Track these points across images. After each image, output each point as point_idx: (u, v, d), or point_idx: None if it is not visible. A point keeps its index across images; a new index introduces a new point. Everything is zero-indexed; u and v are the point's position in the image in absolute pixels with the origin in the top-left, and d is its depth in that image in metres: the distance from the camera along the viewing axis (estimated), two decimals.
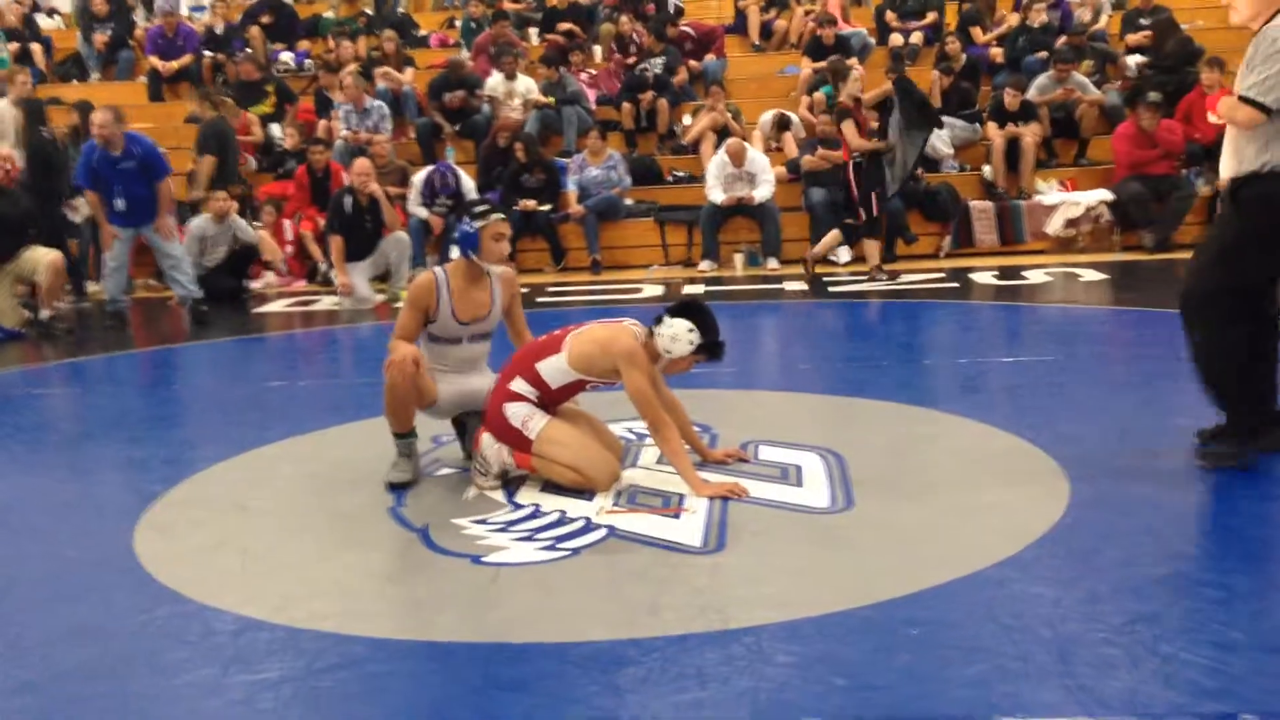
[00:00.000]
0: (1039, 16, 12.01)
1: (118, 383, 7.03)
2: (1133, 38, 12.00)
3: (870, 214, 9.18)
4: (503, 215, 4.24)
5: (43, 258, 8.42)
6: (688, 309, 4.05)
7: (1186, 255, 9.60)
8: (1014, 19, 12.48)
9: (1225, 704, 2.38)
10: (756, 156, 10.49)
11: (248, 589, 3.25)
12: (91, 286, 10.22)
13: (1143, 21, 12.07)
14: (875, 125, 9.21)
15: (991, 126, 10.87)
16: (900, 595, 2.98)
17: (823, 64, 11.60)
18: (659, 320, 4.03)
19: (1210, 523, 3.49)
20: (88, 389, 6.81)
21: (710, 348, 4.05)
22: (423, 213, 10.39)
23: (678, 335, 3.98)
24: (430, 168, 10.57)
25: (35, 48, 13.86)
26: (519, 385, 4.04)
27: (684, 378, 4.39)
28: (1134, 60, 11.64)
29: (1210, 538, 3.33)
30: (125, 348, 8.00)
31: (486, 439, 4.07)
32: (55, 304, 8.65)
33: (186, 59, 13.22)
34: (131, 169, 8.36)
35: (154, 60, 13.22)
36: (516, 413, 4.01)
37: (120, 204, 8.39)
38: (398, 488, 4.10)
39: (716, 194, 10.31)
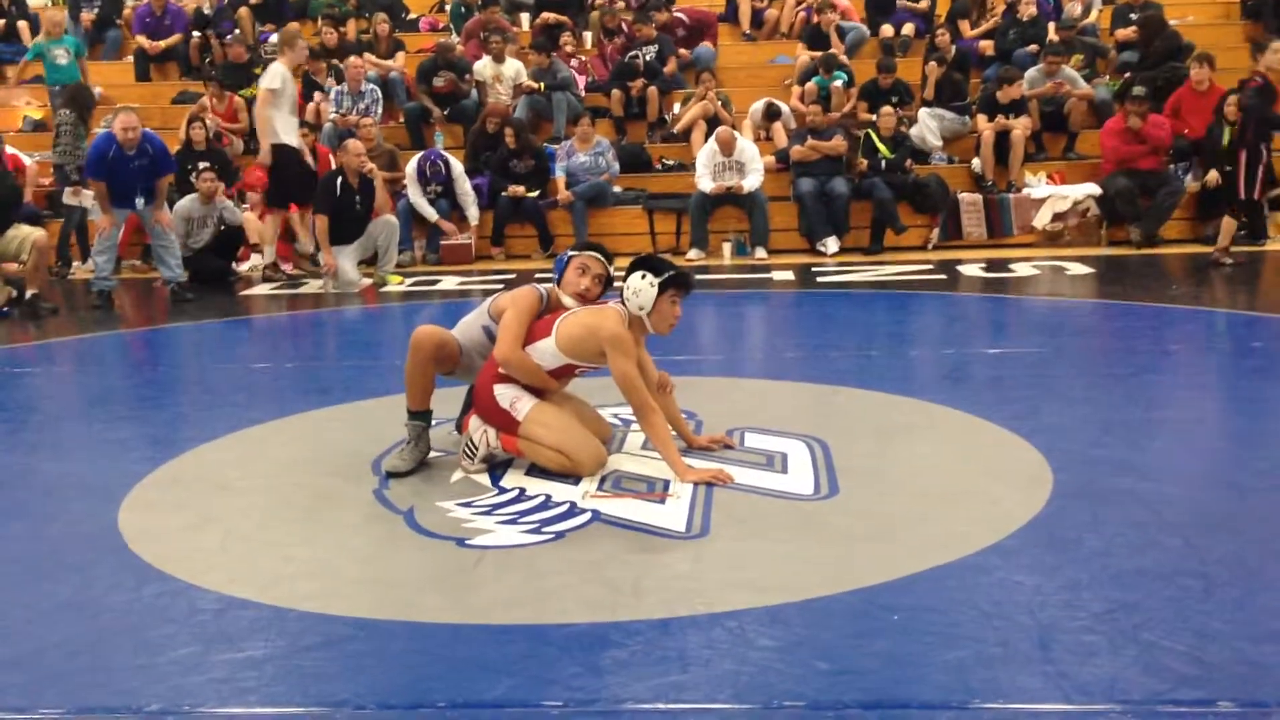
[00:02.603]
0: (1028, 10, 12.02)
1: (103, 363, 7.01)
2: (1121, 33, 12.02)
3: (1251, 194, 9.21)
4: (598, 255, 4.25)
5: (28, 236, 8.40)
6: (633, 265, 4.06)
7: (1173, 250, 9.74)
8: (1001, 7, 12.46)
9: (1204, 691, 2.40)
10: (746, 146, 10.49)
11: (232, 568, 3.26)
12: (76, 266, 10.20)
13: (1132, 17, 12.09)
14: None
15: (981, 119, 10.89)
16: (882, 581, 3.00)
17: (819, 53, 11.65)
18: (620, 295, 4.06)
19: (1191, 514, 3.51)
20: (72, 368, 6.79)
21: (674, 279, 4.02)
22: (429, 211, 10.33)
23: (638, 288, 3.98)
24: (420, 155, 10.54)
25: (22, 25, 13.77)
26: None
27: (671, 365, 4.40)
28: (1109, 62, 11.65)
29: (1191, 529, 3.35)
30: (111, 328, 7.98)
31: (474, 422, 4.08)
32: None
33: (174, 39, 13.17)
34: (144, 166, 8.57)
35: (141, 39, 13.16)
36: (505, 394, 4.02)
37: (140, 201, 8.65)
38: (393, 476, 4.04)
39: (706, 182, 10.31)
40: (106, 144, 8.42)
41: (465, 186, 10.42)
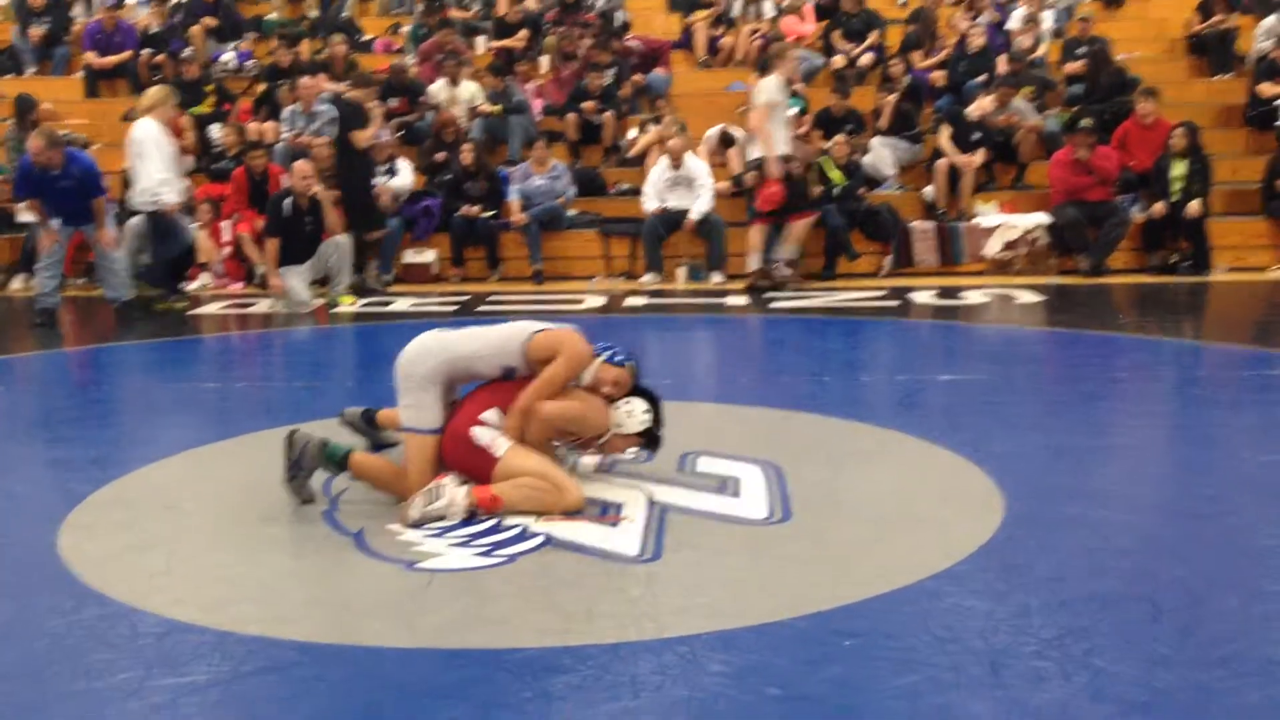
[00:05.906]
0: (976, 40, 12.19)
1: (45, 381, 6.88)
2: (1070, 66, 12.22)
3: None
4: (635, 377, 4.15)
5: None
6: (647, 394, 4.10)
7: (1120, 280, 9.89)
8: (953, 39, 12.62)
9: (1153, 717, 2.42)
10: (696, 163, 10.52)
11: (175, 591, 3.19)
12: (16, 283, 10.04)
13: (1079, 51, 12.30)
14: None
15: (946, 142, 10.87)
16: (835, 606, 3.00)
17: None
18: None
19: (1140, 540, 3.55)
20: (13, 387, 6.66)
21: (652, 438, 4.09)
22: None
23: (633, 412, 4.01)
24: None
25: None
26: (491, 415, 3.95)
27: None
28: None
29: (1140, 555, 3.38)
30: (54, 346, 7.84)
31: (450, 478, 3.83)
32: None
33: (124, 55, 13.01)
34: (70, 187, 8.41)
35: (90, 56, 13.00)
36: (483, 434, 3.91)
37: (55, 223, 8.50)
38: (307, 502, 3.95)
39: (651, 203, 10.33)
40: (30, 166, 8.36)
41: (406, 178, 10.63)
